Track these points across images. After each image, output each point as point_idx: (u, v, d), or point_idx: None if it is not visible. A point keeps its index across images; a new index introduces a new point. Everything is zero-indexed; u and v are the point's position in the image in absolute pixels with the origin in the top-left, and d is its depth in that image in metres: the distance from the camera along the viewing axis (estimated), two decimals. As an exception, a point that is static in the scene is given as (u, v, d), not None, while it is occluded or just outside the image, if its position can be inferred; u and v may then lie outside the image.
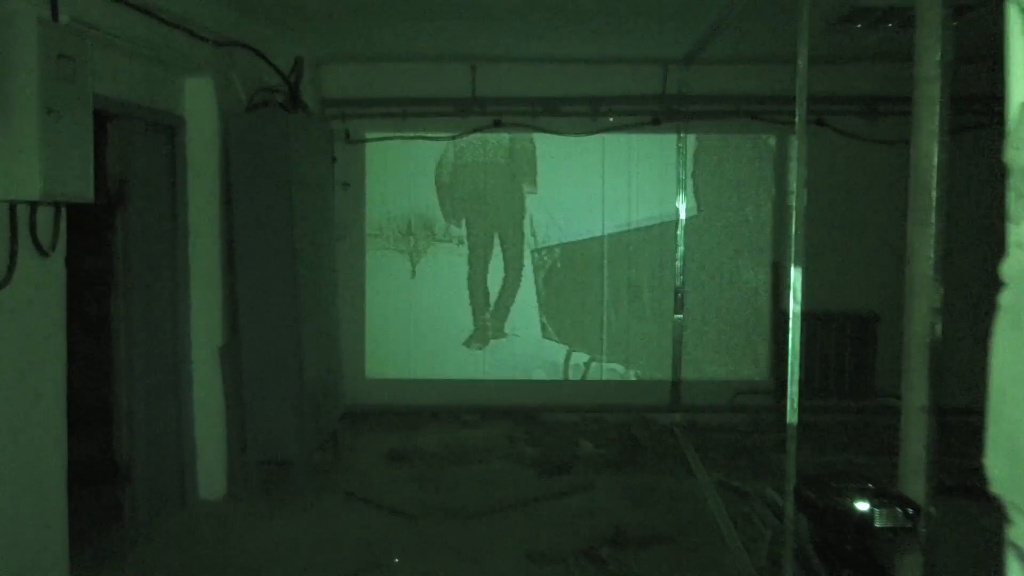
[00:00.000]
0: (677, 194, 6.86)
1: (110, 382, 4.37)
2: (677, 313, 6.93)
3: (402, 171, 6.89)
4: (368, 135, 6.84)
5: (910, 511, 2.47)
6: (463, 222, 6.97)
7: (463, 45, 6.26)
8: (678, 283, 6.91)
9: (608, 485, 5.39)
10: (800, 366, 6.74)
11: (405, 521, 4.81)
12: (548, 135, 6.83)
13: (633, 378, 7.02)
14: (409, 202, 6.91)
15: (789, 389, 3.69)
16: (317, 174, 5.46)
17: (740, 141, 6.86)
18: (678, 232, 6.88)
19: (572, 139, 6.84)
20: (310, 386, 5.17)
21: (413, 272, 6.94)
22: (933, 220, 2.91)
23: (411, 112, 6.76)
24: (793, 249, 3.77)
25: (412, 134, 6.83)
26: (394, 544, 4.48)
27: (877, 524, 2.43)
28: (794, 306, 3.69)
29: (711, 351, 6.98)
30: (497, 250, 7.00)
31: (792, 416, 3.58)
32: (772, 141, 6.86)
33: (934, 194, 2.92)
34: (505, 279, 7.03)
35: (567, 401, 7.01)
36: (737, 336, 6.97)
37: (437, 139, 6.85)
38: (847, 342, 6.78)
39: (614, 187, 6.94)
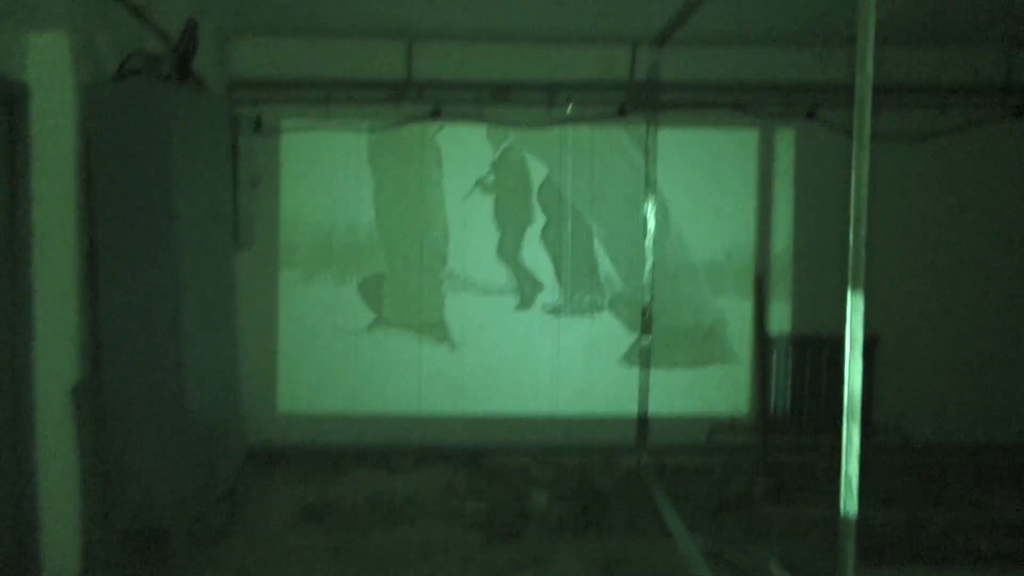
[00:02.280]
0: (646, 198, 5.90)
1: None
2: (644, 334, 5.95)
3: (324, 168, 5.80)
4: (284, 124, 5.75)
5: None
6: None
7: (397, 18, 5.22)
8: (646, 301, 5.94)
9: (568, 555, 4.37)
10: (786, 396, 5.83)
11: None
12: (495, 127, 5.81)
13: (593, 412, 6.02)
14: (332, 206, 5.82)
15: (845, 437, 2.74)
16: (211, 167, 4.36)
17: (720, 136, 5.92)
18: (646, 242, 5.91)
19: (526, 132, 5.84)
20: (197, 430, 4.07)
21: (336, 288, 5.86)
22: None
23: (335, 97, 5.69)
24: (852, 268, 2.81)
25: (336, 124, 5.76)
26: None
27: None
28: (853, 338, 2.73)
29: (683, 380, 6.01)
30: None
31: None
32: (756, 136, 5.92)
33: None
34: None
35: (517, 440, 5.98)
36: (713, 363, 6.01)
37: (366, 130, 5.79)
38: (840, 370, 5.84)
39: (575, 189, 5.94)
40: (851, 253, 2.91)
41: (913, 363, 5.96)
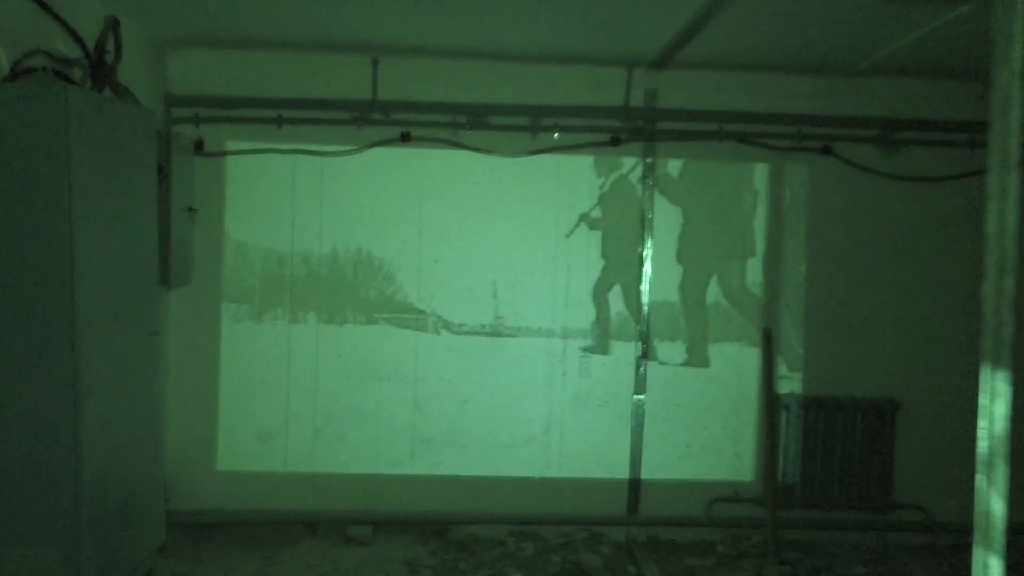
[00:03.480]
0: (642, 239, 5.23)
1: None
2: (638, 393, 5.25)
3: (277, 197, 5.11)
4: (229, 145, 5.06)
5: None
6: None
7: (362, 30, 4.56)
8: (639, 353, 5.24)
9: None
10: (796, 465, 5.12)
11: None
12: (473, 154, 5.15)
13: (579, 476, 5.29)
14: (286, 237, 5.12)
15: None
16: (130, 191, 3.64)
17: (724, 170, 5.27)
18: (642, 288, 5.23)
19: (505, 161, 5.17)
20: (97, 503, 3.33)
21: (288, 328, 5.13)
22: None
23: (289, 118, 5.01)
24: (991, 340, 2.01)
25: (290, 146, 5.07)
26: None
27: None
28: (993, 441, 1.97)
29: (681, 444, 5.30)
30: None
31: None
32: (766, 172, 5.28)
33: None
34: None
35: (491, 508, 5.23)
36: (714, 425, 5.31)
37: (325, 155, 5.10)
38: (858, 437, 5.18)
39: (564, 225, 5.27)
40: (988, 315, 2.08)
41: (940, 432, 5.28)
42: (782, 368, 5.29)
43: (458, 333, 5.24)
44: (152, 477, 4.01)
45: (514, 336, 5.25)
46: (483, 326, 5.24)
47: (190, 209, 4.74)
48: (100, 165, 3.32)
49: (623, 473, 5.27)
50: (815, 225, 5.28)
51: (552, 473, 5.28)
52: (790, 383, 5.30)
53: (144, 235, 3.81)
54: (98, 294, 3.32)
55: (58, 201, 3.12)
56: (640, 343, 5.24)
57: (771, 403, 5.11)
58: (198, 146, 4.93)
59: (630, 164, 5.23)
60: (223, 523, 5.08)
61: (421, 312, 5.21)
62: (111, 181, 3.43)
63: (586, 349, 5.26)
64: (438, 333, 5.23)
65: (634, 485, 5.25)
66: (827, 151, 5.21)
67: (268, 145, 5.04)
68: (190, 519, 5.03)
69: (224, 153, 5.04)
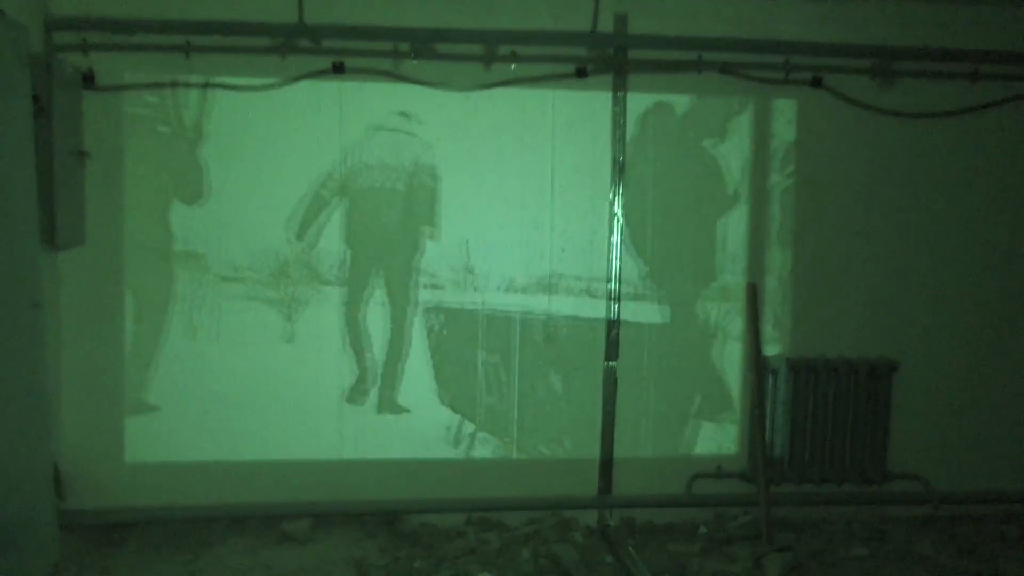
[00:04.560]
0: (612, 185, 4.59)
1: None
2: (610, 359, 4.65)
3: (190, 140, 4.32)
4: (127, 79, 4.24)
5: None
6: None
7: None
8: (612, 315, 4.64)
9: None
10: (785, 434, 4.60)
11: None
12: (419, 88, 4.43)
13: (545, 455, 4.70)
14: (202, 188, 4.34)
15: None
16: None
17: (704, 107, 4.65)
18: (612, 240, 4.61)
19: (457, 96, 4.47)
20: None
21: (206, 298, 4.39)
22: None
23: (199, 45, 4.21)
24: None
25: (201, 79, 4.28)
26: None
27: None
28: None
29: (657, 415, 4.73)
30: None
31: None
32: (749, 107, 4.67)
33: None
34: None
35: (446, 492, 4.61)
36: (694, 393, 4.75)
37: (242, 89, 4.33)
38: (852, 402, 4.67)
39: (525, 171, 4.60)
40: None
41: (939, 395, 4.81)
42: (768, 328, 4.74)
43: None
44: (38, 481, 3.29)
45: (473, 295, 4.59)
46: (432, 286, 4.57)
47: (80, 153, 3.94)
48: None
49: (593, 450, 4.69)
50: (804, 167, 4.71)
51: (512, 453, 4.67)
52: (777, 345, 4.75)
53: (17, 184, 3.04)
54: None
55: None
56: (612, 302, 4.62)
57: (758, 366, 4.56)
58: (87, 79, 4.10)
59: (598, 99, 4.57)
60: (135, 523, 4.36)
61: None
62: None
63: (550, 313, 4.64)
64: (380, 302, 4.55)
65: (606, 463, 4.67)
66: (817, 83, 4.62)
67: (174, 77, 4.24)
68: (95, 519, 4.30)
69: (121, 87, 4.22)
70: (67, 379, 4.30)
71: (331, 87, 4.38)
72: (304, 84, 4.34)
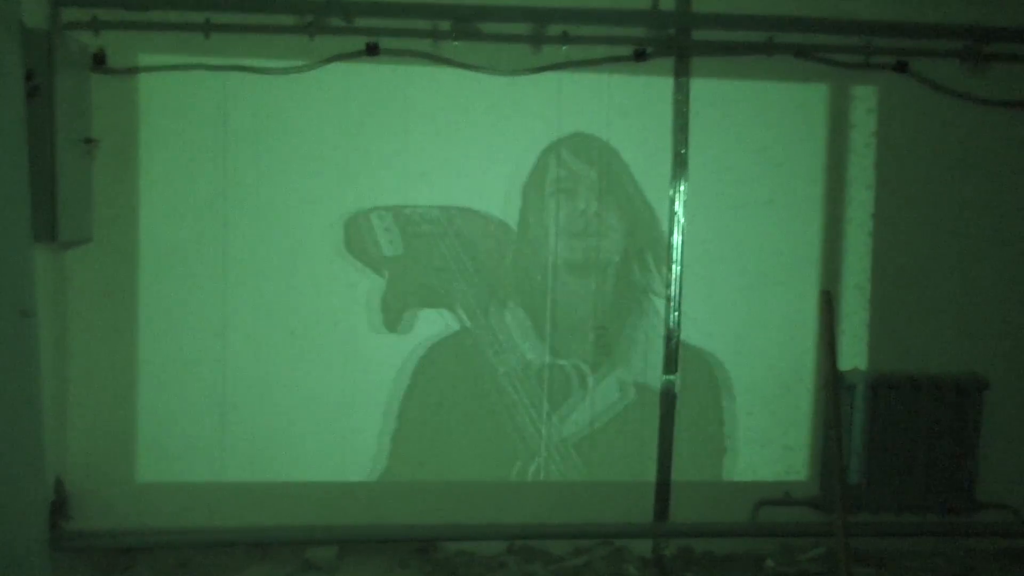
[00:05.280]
0: (673, 180, 4.15)
1: None
2: (668, 372, 4.21)
3: (207, 127, 3.94)
4: (141, 60, 3.86)
5: None
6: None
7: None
8: (671, 325, 4.20)
9: None
10: (863, 458, 4.15)
11: None
12: (460, 72, 4.01)
13: (594, 478, 4.26)
14: (220, 180, 3.96)
15: None
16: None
17: (775, 94, 4.20)
18: (673, 240, 4.17)
19: (502, 80, 4.05)
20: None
21: (224, 301, 4.00)
22: None
23: (221, 24, 3.83)
24: None
25: (222, 61, 3.89)
26: None
27: None
28: None
29: (719, 434, 4.29)
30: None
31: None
32: (824, 93, 4.21)
33: None
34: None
35: (486, 518, 4.20)
36: (761, 411, 4.30)
37: (267, 72, 3.93)
38: (937, 423, 4.21)
39: (575, 163, 4.17)
40: None
41: (1035, 415, 4.34)
42: (843, 340, 4.28)
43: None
44: (29, 512, 2.91)
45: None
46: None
47: (87, 141, 3.56)
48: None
49: (648, 472, 4.25)
50: (885, 161, 4.24)
51: (557, 474, 4.25)
52: (854, 359, 4.29)
53: (3, 172, 2.66)
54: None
55: None
56: (671, 309, 4.18)
57: (833, 383, 4.09)
58: (98, 60, 3.73)
59: (657, 85, 4.13)
60: (147, 547, 3.98)
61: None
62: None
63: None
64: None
65: (662, 486, 4.23)
66: (901, 68, 4.16)
67: (193, 59, 3.86)
68: (102, 542, 3.93)
69: (135, 70, 3.84)
70: (74, 390, 3.94)
71: (364, 71, 3.97)
72: (335, 67, 3.93)
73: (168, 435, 4.03)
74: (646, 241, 4.19)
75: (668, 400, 4.20)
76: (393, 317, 4.08)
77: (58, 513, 3.87)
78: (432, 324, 4.11)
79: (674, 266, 4.17)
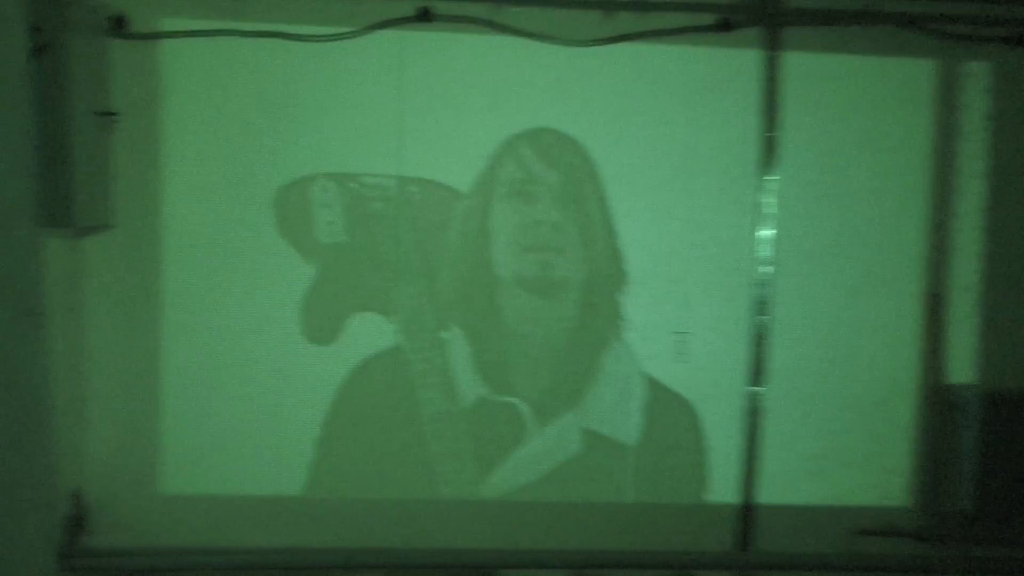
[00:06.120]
0: (761, 167, 3.68)
1: None
2: (755, 384, 3.73)
3: (238, 100, 3.53)
4: (167, 24, 3.46)
5: None
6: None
7: None
8: (758, 330, 3.72)
9: None
10: (975, 483, 3.62)
11: None
12: (521, 42, 3.57)
13: (669, 498, 3.80)
14: (254, 160, 3.54)
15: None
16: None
17: (878, 70, 3.71)
18: (760, 235, 3.69)
19: (568, 53, 3.60)
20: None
21: (259, 292, 3.58)
22: None
23: (256, -15, 3.43)
24: None
25: (256, 26, 3.47)
26: None
27: None
28: None
29: (810, 454, 3.80)
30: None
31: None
32: (932, 69, 3.72)
33: None
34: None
35: (544, 543, 3.74)
36: (858, 428, 3.80)
37: (307, 39, 3.51)
38: (1063, 444, 3.70)
39: (651, 149, 3.70)
40: None
41: None
42: (953, 350, 3.77)
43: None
44: (41, 529, 2.51)
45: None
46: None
47: (105, 115, 3.16)
48: None
49: (729, 494, 3.78)
50: (1001, 146, 3.74)
51: (627, 495, 3.79)
52: (964, 372, 3.78)
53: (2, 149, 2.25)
54: None
55: None
56: (759, 314, 3.70)
57: (942, 398, 3.61)
58: (118, 24, 3.33)
59: (744, 58, 3.66)
60: (172, 568, 3.58)
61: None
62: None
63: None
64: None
65: (745, 511, 3.76)
66: (1021, 42, 3.65)
67: (224, 24, 3.44)
68: (122, 563, 3.52)
69: (158, 35, 3.44)
70: (92, 392, 3.55)
71: (414, 38, 3.54)
72: (383, 35, 3.50)
73: (195, 443, 3.61)
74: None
75: (753, 413, 3.72)
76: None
77: (76, 529, 3.49)
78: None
79: (762, 266, 3.69)
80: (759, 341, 3.70)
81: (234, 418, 3.60)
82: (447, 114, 3.58)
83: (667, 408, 3.73)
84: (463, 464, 3.68)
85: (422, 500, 3.70)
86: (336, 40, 3.49)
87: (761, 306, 3.71)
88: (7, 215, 2.40)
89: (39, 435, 2.56)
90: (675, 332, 3.70)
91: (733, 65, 3.68)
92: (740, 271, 3.74)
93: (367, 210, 3.56)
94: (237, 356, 3.58)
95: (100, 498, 3.57)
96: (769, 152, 3.66)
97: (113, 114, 3.26)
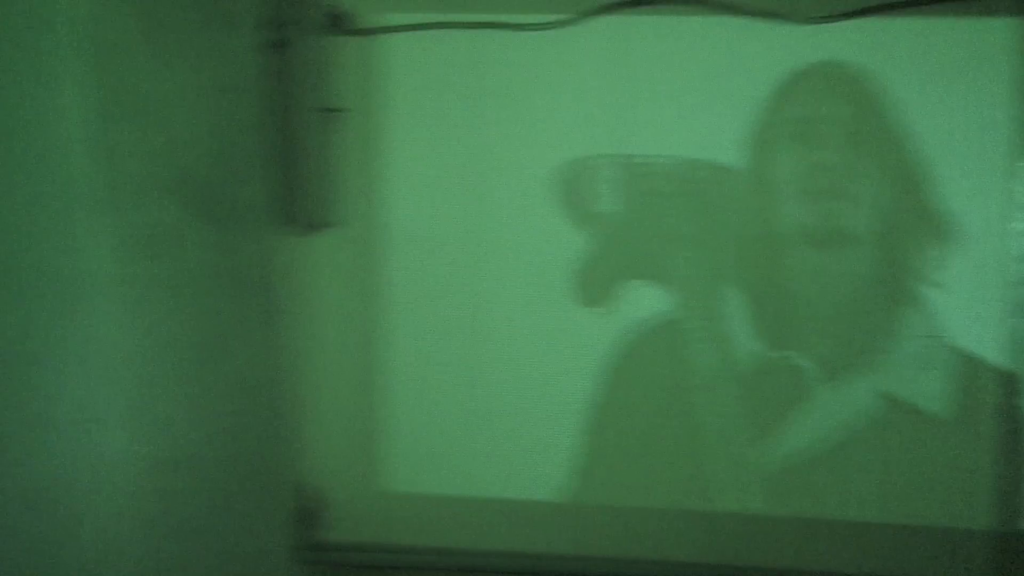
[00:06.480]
0: (1016, 153, 3.31)
1: None
2: (1011, 396, 3.35)
3: (462, 93, 3.50)
4: (391, 19, 3.47)
5: None
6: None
7: None
8: (1015, 335, 3.34)
9: None
10: None
11: None
12: (746, 22, 3.37)
13: (890, 516, 3.46)
14: (476, 155, 3.51)
15: None
16: (198, 94, 2.13)
17: None
18: (1015, 229, 3.33)
19: (795, 32, 3.38)
20: None
21: (490, 286, 3.53)
22: None
23: (474, -23, 3.42)
24: None
25: (473, 17, 3.44)
26: None
27: None
28: None
29: None
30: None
31: None
32: None
33: None
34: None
35: (772, 561, 3.49)
36: None
37: (524, 28, 3.44)
38: None
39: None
40: None
41: None
42: None
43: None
44: (272, 525, 2.57)
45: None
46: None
47: (329, 111, 3.22)
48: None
49: (973, 519, 3.40)
50: None
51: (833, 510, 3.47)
52: None
53: (238, 153, 2.30)
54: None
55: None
56: (1017, 317, 3.33)
57: None
58: (336, 21, 3.38)
59: (995, 29, 3.32)
60: (395, 567, 3.58)
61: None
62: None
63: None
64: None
65: (1006, 540, 3.36)
66: None
67: (443, 17, 3.44)
68: (354, 558, 3.56)
69: (382, 30, 3.46)
70: (322, 384, 3.61)
71: (629, 23, 3.41)
72: (602, 21, 3.39)
73: (422, 438, 3.61)
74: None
75: (1016, 417, 3.34)
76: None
77: (309, 523, 3.56)
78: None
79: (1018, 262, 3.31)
80: (1017, 348, 3.31)
81: (459, 410, 3.57)
82: (672, 101, 3.42)
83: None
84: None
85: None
86: (545, 29, 3.40)
87: (1018, 309, 3.32)
88: (246, 214, 2.46)
89: (278, 429, 2.64)
90: (923, 336, 3.37)
91: (982, 36, 3.33)
92: (990, 268, 3.37)
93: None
94: (463, 352, 3.55)
95: (324, 493, 3.63)
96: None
97: (337, 111, 3.31)
